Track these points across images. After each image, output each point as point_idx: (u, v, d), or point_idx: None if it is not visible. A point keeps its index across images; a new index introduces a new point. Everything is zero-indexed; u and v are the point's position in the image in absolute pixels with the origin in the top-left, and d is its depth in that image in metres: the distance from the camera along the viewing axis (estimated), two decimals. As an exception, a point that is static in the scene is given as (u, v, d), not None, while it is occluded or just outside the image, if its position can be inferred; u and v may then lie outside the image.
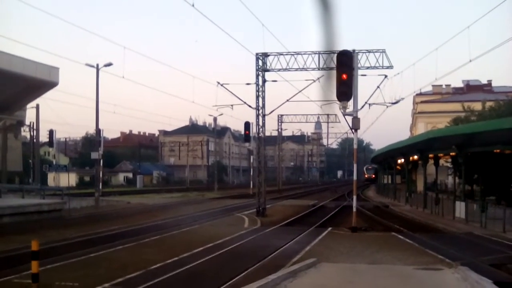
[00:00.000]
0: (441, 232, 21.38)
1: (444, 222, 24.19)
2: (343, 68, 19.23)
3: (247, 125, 33.80)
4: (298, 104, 55.07)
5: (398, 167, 46.83)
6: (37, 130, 48.05)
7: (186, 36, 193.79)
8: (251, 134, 35.08)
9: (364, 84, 27.68)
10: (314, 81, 28.27)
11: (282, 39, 35.11)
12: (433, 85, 65.78)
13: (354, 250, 15.18)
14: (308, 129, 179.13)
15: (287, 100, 31.72)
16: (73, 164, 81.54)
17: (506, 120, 24.10)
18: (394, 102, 31.88)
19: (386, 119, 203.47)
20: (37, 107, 45.78)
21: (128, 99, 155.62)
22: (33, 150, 49.80)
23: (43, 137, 57.37)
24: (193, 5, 19.19)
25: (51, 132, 49.32)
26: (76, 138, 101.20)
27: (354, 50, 21.53)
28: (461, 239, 18.70)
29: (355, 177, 22.42)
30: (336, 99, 19.82)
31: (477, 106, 42.71)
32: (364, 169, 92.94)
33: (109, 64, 35.58)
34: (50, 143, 50.49)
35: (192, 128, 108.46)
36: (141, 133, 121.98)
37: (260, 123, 28.73)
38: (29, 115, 46.66)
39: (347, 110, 20.06)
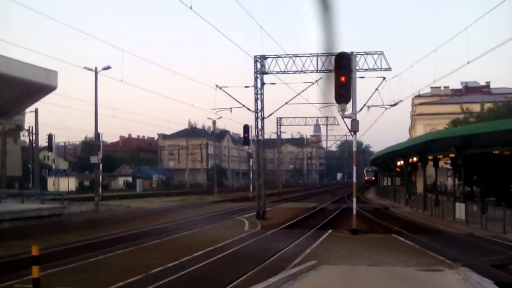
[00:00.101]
0: (442, 233, 21.38)
1: (444, 224, 24.19)
2: (342, 71, 19.25)
3: (246, 128, 33.83)
4: (297, 106, 55.03)
5: (397, 169, 46.85)
6: (36, 134, 48.09)
7: (185, 38, 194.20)
8: (250, 137, 35.09)
9: (363, 86, 27.64)
10: (313, 83, 28.32)
11: (281, 41, 35.42)
12: (431, 87, 65.92)
13: (354, 252, 15.17)
14: (307, 131, 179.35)
15: (286, 103, 31.77)
16: (72, 169, 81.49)
17: (505, 122, 24.09)
18: (393, 104, 31.94)
19: (385, 121, 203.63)
20: (36, 111, 45.80)
21: (127, 103, 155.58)
22: (32, 155, 49.77)
23: (42, 142, 57.50)
24: (191, 8, 19.23)
25: (50, 137, 49.36)
26: (75, 142, 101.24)
27: (352, 52, 21.54)
28: (461, 240, 18.69)
29: (354, 179, 22.42)
30: (335, 101, 19.87)
31: (476, 108, 42.76)
32: (364, 171, 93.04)
33: (108, 68, 35.61)
34: (49, 147, 50.51)
35: (191, 132, 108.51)
36: (140, 137, 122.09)
37: (259, 126, 28.72)
38: (28, 119, 46.80)
39: (346, 113, 20.05)
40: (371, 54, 26.63)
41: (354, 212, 21.13)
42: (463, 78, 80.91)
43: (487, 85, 76.81)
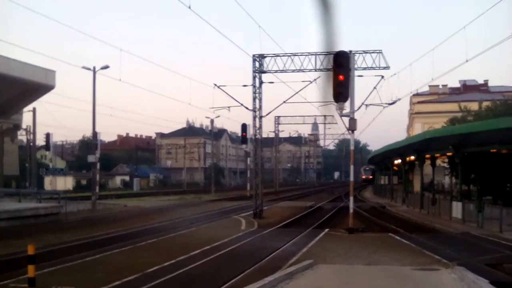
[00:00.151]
0: (438, 232, 21.40)
1: (441, 223, 24.22)
2: (340, 69, 19.23)
3: (244, 127, 33.85)
4: (295, 105, 55.29)
5: (395, 167, 46.92)
6: (34, 133, 48.05)
7: (183, 38, 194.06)
8: (248, 136, 35.13)
9: (361, 85, 27.59)
10: (311, 82, 28.34)
11: (279, 40, 35.29)
12: (429, 86, 66.09)
13: (351, 251, 15.19)
14: (305, 130, 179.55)
15: (284, 102, 31.80)
16: (70, 168, 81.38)
17: (502, 120, 24.15)
18: (391, 103, 31.99)
19: (383, 120, 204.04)
20: (34, 110, 45.78)
21: (125, 102, 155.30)
22: (30, 154, 49.71)
23: (40, 141, 57.37)
24: (189, 7, 19.21)
25: (47, 136, 49.38)
26: (73, 141, 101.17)
27: (350, 51, 21.54)
28: (458, 239, 18.73)
29: (351, 178, 22.45)
30: (333, 100, 19.87)
31: (474, 106, 42.82)
32: (362, 170, 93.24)
33: (106, 67, 35.60)
34: (47, 146, 50.58)
35: (189, 131, 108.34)
36: (138, 136, 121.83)
37: (257, 125, 28.74)
38: (26, 118, 46.60)
39: (344, 111, 20.09)
40: (369, 52, 26.65)
41: (351, 211, 21.17)
42: (461, 77, 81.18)
43: (485, 83, 77.01)
